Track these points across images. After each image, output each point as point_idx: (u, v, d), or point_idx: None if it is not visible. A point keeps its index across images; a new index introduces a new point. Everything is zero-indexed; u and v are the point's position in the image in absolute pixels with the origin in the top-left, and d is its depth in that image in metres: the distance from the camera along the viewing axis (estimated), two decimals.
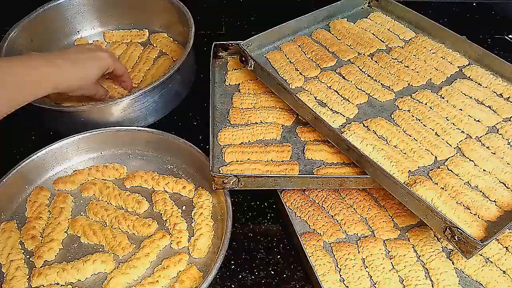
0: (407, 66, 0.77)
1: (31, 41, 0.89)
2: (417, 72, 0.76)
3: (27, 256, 0.65)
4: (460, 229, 0.52)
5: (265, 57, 0.80)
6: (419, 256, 0.62)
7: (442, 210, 0.57)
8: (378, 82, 0.74)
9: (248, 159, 0.67)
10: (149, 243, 0.64)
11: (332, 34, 0.84)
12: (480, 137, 0.66)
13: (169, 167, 0.76)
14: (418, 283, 0.58)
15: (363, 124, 0.68)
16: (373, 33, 0.84)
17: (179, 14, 0.90)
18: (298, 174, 0.65)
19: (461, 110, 0.69)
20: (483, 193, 0.60)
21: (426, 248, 0.62)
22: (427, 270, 0.60)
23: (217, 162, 0.67)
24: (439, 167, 0.62)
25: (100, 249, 0.65)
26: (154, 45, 0.95)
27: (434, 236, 0.64)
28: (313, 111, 0.67)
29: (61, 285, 0.61)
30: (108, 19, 1.00)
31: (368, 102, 0.72)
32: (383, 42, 0.82)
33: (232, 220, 0.63)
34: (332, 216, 0.67)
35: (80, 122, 0.77)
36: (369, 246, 0.62)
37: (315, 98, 0.72)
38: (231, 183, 0.63)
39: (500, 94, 0.72)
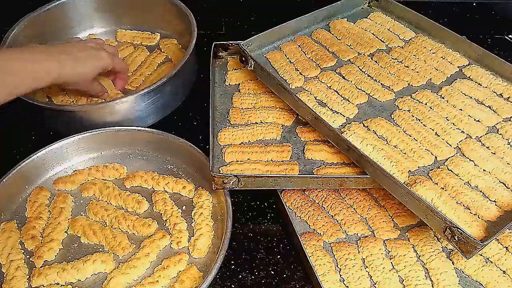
0: (407, 66, 0.77)
1: (35, 38, 0.90)
2: (417, 72, 0.76)
3: (27, 256, 0.65)
4: (460, 229, 0.52)
5: (265, 57, 0.80)
6: (419, 256, 0.62)
7: (442, 210, 0.57)
8: (378, 82, 0.74)
9: (248, 159, 0.67)
10: (149, 243, 0.64)
11: (332, 34, 0.84)
12: (480, 137, 0.66)
13: (169, 167, 0.76)
14: (418, 283, 0.58)
15: (363, 124, 0.68)
16: (373, 33, 0.84)
17: (181, 16, 0.90)
18: (298, 174, 0.65)
19: (461, 110, 0.69)
20: (483, 193, 0.60)
21: (426, 248, 0.62)
22: (427, 270, 0.60)
23: (217, 162, 0.67)
24: (439, 167, 0.62)
25: (100, 249, 0.65)
26: (162, 50, 0.95)
27: (434, 236, 0.64)
28: (313, 111, 0.67)
29: (61, 285, 0.61)
30: (118, 19, 1.00)
31: (368, 102, 0.72)
32: (383, 42, 0.82)
33: (232, 220, 0.63)
34: (332, 216, 0.67)
35: (80, 122, 0.77)
36: (369, 246, 0.62)
37: (315, 98, 0.72)
38: (231, 183, 0.63)
39: (500, 94, 0.72)
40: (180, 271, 0.62)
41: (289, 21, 0.82)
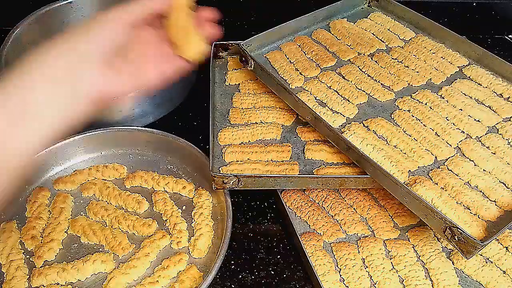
0: (407, 66, 0.77)
1: (38, 38, 0.89)
2: (417, 72, 0.76)
3: (27, 256, 0.65)
4: (460, 229, 0.52)
5: (265, 57, 0.80)
6: (419, 256, 0.62)
7: (442, 210, 0.57)
8: (378, 82, 0.74)
9: (248, 159, 0.67)
10: (149, 243, 0.64)
11: (332, 34, 0.84)
12: (480, 137, 0.66)
13: (169, 167, 0.76)
14: (418, 283, 0.58)
15: (363, 124, 0.68)
16: (373, 33, 0.84)
17: None
18: (298, 174, 0.65)
19: (461, 110, 0.69)
20: (483, 193, 0.60)
21: (426, 248, 0.62)
22: (427, 270, 0.60)
23: (217, 162, 0.67)
24: (439, 167, 0.62)
25: (100, 249, 0.65)
26: None
27: (434, 236, 0.64)
28: (313, 111, 0.67)
29: (61, 285, 0.61)
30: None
31: (368, 102, 0.72)
32: (383, 42, 0.82)
33: (232, 220, 0.64)
34: (332, 216, 0.67)
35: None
36: (369, 246, 0.62)
37: (315, 98, 0.72)
38: (231, 183, 0.63)
39: (500, 94, 0.72)
40: (180, 271, 0.62)
41: (289, 21, 0.82)
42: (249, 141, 0.71)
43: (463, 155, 0.64)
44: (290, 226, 0.66)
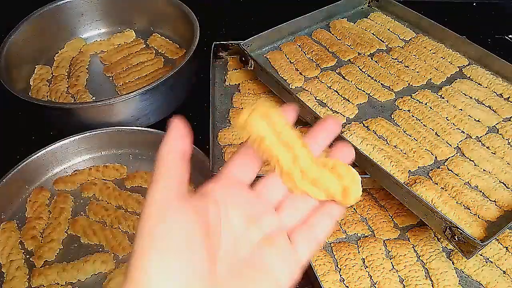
0: (407, 66, 0.77)
1: (33, 41, 0.90)
2: (417, 72, 0.76)
3: (27, 256, 0.65)
4: (460, 229, 0.52)
5: (265, 57, 0.80)
6: (419, 256, 0.62)
7: (442, 210, 0.57)
8: (378, 82, 0.74)
9: None
10: None
11: (332, 34, 0.84)
12: (480, 137, 0.66)
13: None
14: (418, 283, 0.58)
15: (363, 124, 0.68)
16: (373, 33, 0.84)
17: (183, 18, 0.90)
18: None
19: (461, 110, 0.69)
20: (483, 193, 0.60)
21: (426, 248, 0.62)
22: (427, 270, 0.60)
23: (217, 162, 0.67)
24: (439, 167, 0.62)
25: (100, 249, 0.65)
26: (162, 51, 0.95)
27: (434, 236, 0.64)
28: (313, 111, 0.67)
29: (61, 285, 0.61)
30: (118, 20, 1.00)
31: (368, 102, 0.72)
32: (383, 42, 0.82)
33: None
34: None
35: (81, 122, 0.77)
36: (369, 246, 0.62)
37: (315, 98, 0.72)
38: None
39: (500, 94, 0.72)
40: None
41: (289, 21, 0.82)
42: None
43: (463, 155, 0.64)
44: None
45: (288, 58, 0.79)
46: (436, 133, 0.66)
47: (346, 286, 0.59)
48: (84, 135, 0.75)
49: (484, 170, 0.62)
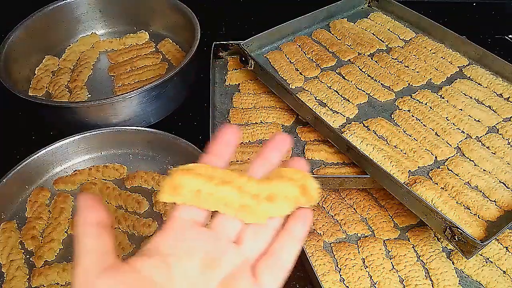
0: (407, 66, 0.77)
1: (32, 41, 0.90)
2: (417, 72, 0.76)
3: (27, 256, 0.65)
4: (460, 229, 0.52)
5: (265, 57, 0.80)
6: (419, 256, 0.62)
7: (442, 210, 0.57)
8: (378, 82, 0.74)
9: (248, 159, 0.67)
10: None
11: (332, 34, 0.84)
12: (480, 137, 0.66)
13: (169, 167, 0.75)
14: (418, 283, 0.58)
15: (363, 124, 0.68)
16: (373, 33, 0.84)
17: (184, 18, 0.90)
18: None
19: (461, 110, 0.69)
20: (483, 193, 0.60)
21: (426, 248, 0.62)
22: (427, 270, 0.60)
23: None
24: (439, 167, 0.62)
25: None
26: (162, 51, 0.94)
27: (434, 236, 0.64)
28: (313, 111, 0.67)
29: (61, 285, 0.61)
30: (118, 20, 1.00)
31: (368, 102, 0.72)
32: (383, 42, 0.82)
33: None
34: (332, 216, 0.67)
35: (81, 121, 0.77)
36: (369, 246, 0.62)
37: (315, 98, 0.72)
38: None
39: (500, 94, 0.72)
40: None
41: (289, 21, 0.82)
42: (249, 141, 0.71)
43: (463, 155, 0.64)
44: None
45: (288, 58, 0.79)
46: (436, 133, 0.66)
47: (346, 286, 0.59)
48: (84, 135, 0.75)
49: (484, 170, 0.62)
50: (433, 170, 0.62)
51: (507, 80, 0.74)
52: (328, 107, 0.71)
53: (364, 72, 0.76)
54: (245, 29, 1.01)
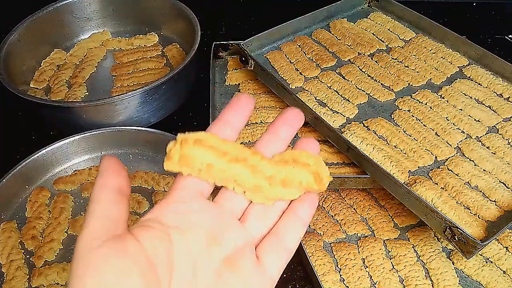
0: (407, 66, 0.77)
1: (32, 41, 0.90)
2: (417, 72, 0.76)
3: (27, 256, 0.65)
4: (460, 229, 0.52)
5: (265, 57, 0.80)
6: (419, 256, 0.62)
7: (442, 210, 0.57)
8: (378, 82, 0.74)
9: None
10: None
11: (332, 34, 0.84)
12: (480, 137, 0.66)
13: None
14: (418, 283, 0.58)
15: (363, 124, 0.68)
16: (373, 33, 0.84)
17: (184, 19, 0.90)
18: None
19: (461, 110, 0.69)
20: (483, 193, 0.60)
21: (426, 248, 0.62)
22: (427, 270, 0.60)
23: None
24: (439, 167, 0.62)
25: None
26: (162, 52, 0.95)
27: (434, 236, 0.64)
28: (313, 111, 0.67)
29: (61, 285, 0.61)
30: (118, 21, 1.00)
31: (368, 102, 0.72)
32: (383, 42, 0.82)
33: None
34: (332, 216, 0.67)
35: (81, 121, 0.77)
36: (369, 246, 0.62)
37: (315, 98, 0.72)
38: None
39: (500, 94, 0.72)
40: None
41: (289, 21, 0.82)
42: (249, 141, 0.71)
43: (463, 155, 0.64)
44: None
45: (288, 58, 0.79)
46: (436, 133, 0.66)
47: (346, 286, 0.59)
48: (84, 135, 0.75)
49: (484, 170, 0.62)
50: (433, 170, 0.62)
51: (507, 80, 0.74)
52: (328, 107, 0.71)
53: (364, 72, 0.76)
54: (245, 29, 1.01)
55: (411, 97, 0.71)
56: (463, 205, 0.58)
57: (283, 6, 1.03)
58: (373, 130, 0.67)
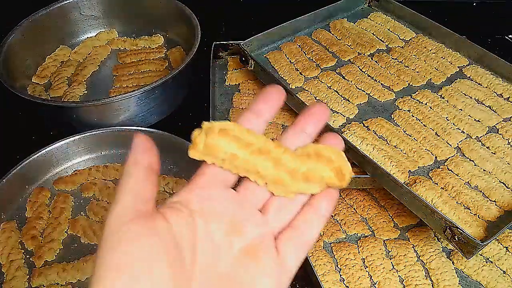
0: (407, 66, 0.77)
1: (37, 37, 0.91)
2: (417, 72, 0.76)
3: (27, 256, 0.65)
4: (460, 229, 0.52)
5: (265, 57, 0.80)
6: (419, 256, 0.62)
7: (442, 210, 0.57)
8: (378, 82, 0.74)
9: None
10: None
11: (332, 34, 0.84)
12: (480, 137, 0.66)
13: (169, 167, 0.75)
14: (418, 283, 0.58)
15: (363, 124, 0.68)
16: (373, 33, 0.84)
17: (184, 19, 0.90)
18: None
19: (461, 110, 0.69)
20: (483, 193, 0.60)
21: (426, 248, 0.62)
22: (427, 270, 0.60)
23: None
24: (439, 167, 0.62)
25: None
26: (162, 52, 0.95)
27: (434, 236, 0.64)
28: None
29: (61, 285, 0.61)
30: (118, 22, 1.00)
31: (368, 102, 0.72)
32: (383, 42, 0.82)
33: None
34: (332, 216, 0.67)
35: (81, 121, 0.77)
36: (369, 246, 0.62)
37: (315, 98, 0.72)
38: None
39: (500, 94, 0.72)
40: None
41: (289, 21, 0.82)
42: None
43: (463, 155, 0.64)
44: None
45: (288, 58, 0.79)
46: (436, 133, 0.66)
47: (346, 286, 0.59)
48: (84, 135, 0.75)
49: (484, 170, 0.62)
50: (433, 170, 0.62)
51: (507, 80, 0.74)
52: (328, 107, 0.71)
53: (364, 72, 0.76)
54: (245, 29, 1.01)
55: (411, 97, 0.71)
56: (463, 205, 0.58)
57: (283, 6, 1.03)
58: (373, 130, 0.67)
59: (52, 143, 0.73)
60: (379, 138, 0.66)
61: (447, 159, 0.63)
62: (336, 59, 0.79)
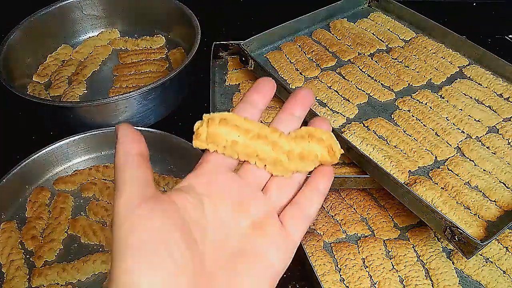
0: (407, 66, 0.77)
1: (39, 35, 0.91)
2: (417, 72, 0.76)
3: (27, 256, 0.65)
4: (460, 229, 0.52)
5: (265, 57, 0.80)
6: (419, 256, 0.62)
7: (442, 210, 0.57)
8: (378, 82, 0.74)
9: None
10: None
11: (332, 34, 0.84)
12: (480, 137, 0.66)
13: (169, 167, 0.75)
14: (418, 283, 0.58)
15: (363, 124, 0.68)
16: (373, 33, 0.84)
17: (184, 19, 0.90)
18: None
19: (461, 110, 0.69)
20: (483, 193, 0.60)
21: (426, 248, 0.62)
22: (427, 270, 0.60)
23: None
24: (439, 167, 0.62)
25: (100, 249, 0.65)
26: (162, 52, 0.94)
27: (434, 236, 0.64)
28: (313, 111, 0.67)
29: (61, 285, 0.61)
30: (118, 22, 1.00)
31: (368, 102, 0.72)
32: (383, 42, 0.82)
33: None
34: (332, 216, 0.67)
35: (81, 121, 0.77)
36: (369, 246, 0.62)
37: (315, 98, 0.72)
38: None
39: (500, 94, 0.72)
40: None
41: (289, 21, 0.82)
42: None
43: (463, 155, 0.64)
44: None
45: (288, 58, 0.79)
46: (436, 133, 0.66)
47: (346, 286, 0.59)
48: (84, 135, 0.75)
49: (484, 170, 0.62)
50: (433, 170, 0.62)
51: (507, 80, 0.74)
52: (328, 107, 0.71)
53: (364, 72, 0.76)
54: (245, 29, 1.01)
55: (411, 97, 0.71)
56: (463, 205, 0.58)
57: (283, 6, 1.03)
58: (373, 130, 0.67)
59: (52, 143, 0.73)
60: (379, 138, 0.66)
61: (447, 159, 0.63)
62: (336, 59, 0.79)
